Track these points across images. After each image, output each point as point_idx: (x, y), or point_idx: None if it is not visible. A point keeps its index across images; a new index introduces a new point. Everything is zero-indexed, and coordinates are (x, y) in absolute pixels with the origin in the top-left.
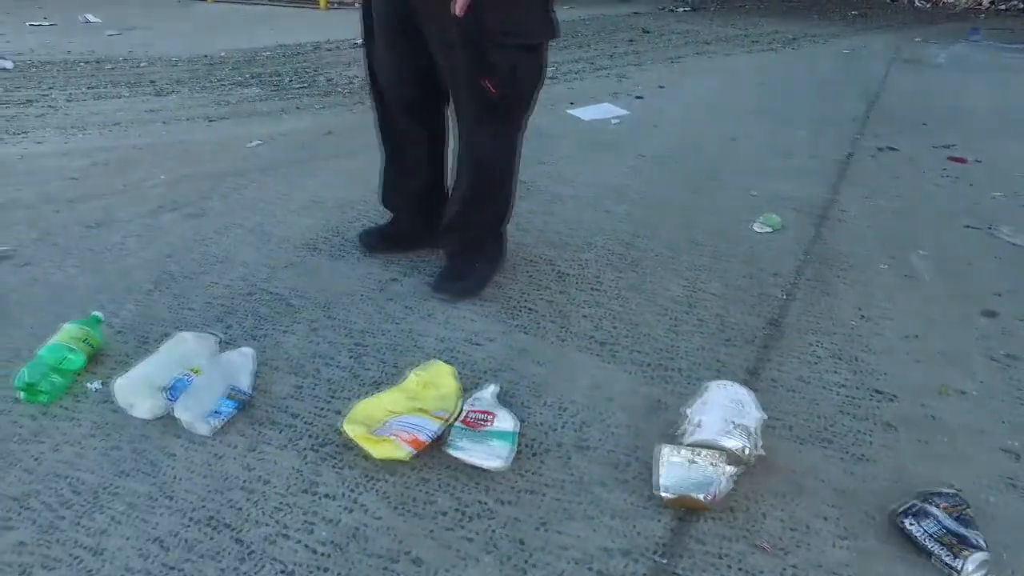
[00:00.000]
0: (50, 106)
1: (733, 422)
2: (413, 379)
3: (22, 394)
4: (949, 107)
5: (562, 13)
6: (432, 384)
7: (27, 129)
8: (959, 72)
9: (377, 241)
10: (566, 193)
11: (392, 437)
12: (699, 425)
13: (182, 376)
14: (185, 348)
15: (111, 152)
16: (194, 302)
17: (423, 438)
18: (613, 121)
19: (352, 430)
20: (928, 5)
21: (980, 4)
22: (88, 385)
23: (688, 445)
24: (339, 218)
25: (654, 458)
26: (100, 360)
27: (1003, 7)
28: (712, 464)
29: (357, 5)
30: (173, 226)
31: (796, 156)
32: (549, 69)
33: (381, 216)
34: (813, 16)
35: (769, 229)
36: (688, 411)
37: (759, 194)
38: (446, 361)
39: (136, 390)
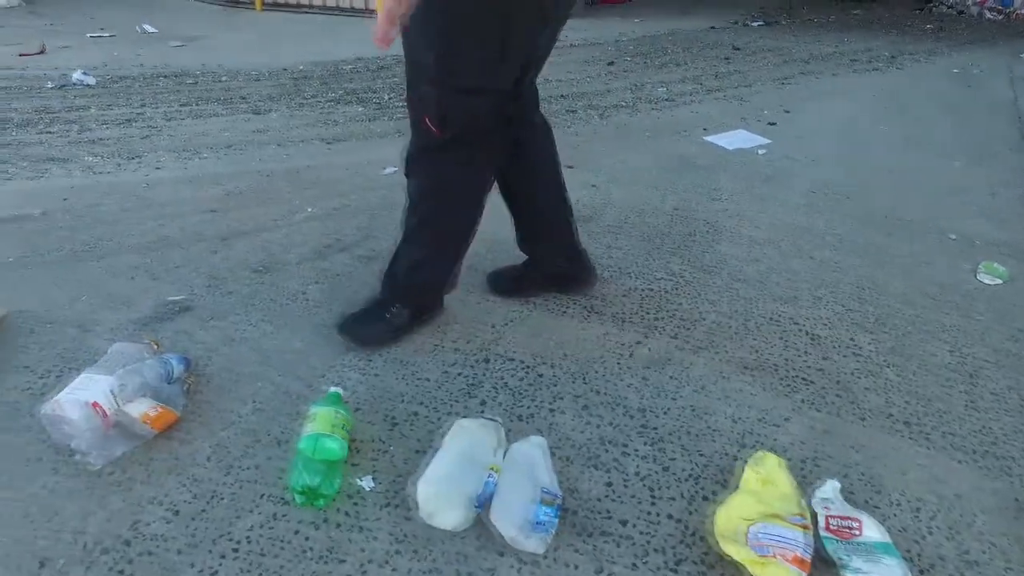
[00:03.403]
0: (150, 126)
1: None
2: (751, 476)
3: (297, 497)
4: None
5: (638, 27)
6: (770, 481)
7: (139, 152)
8: None
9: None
10: (758, 236)
11: (775, 557)
12: None
13: (487, 479)
14: (471, 439)
15: (239, 179)
16: (426, 370)
17: (803, 555)
18: (760, 151)
19: (736, 552)
20: (1001, 17)
21: None
22: (358, 482)
23: None
24: None
25: None
26: (354, 447)
27: None
28: None
29: None
30: (350, 270)
31: (972, 191)
32: (663, 90)
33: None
34: (892, 31)
35: (998, 280)
36: None
37: (957, 238)
38: (752, 447)
39: (443, 497)
